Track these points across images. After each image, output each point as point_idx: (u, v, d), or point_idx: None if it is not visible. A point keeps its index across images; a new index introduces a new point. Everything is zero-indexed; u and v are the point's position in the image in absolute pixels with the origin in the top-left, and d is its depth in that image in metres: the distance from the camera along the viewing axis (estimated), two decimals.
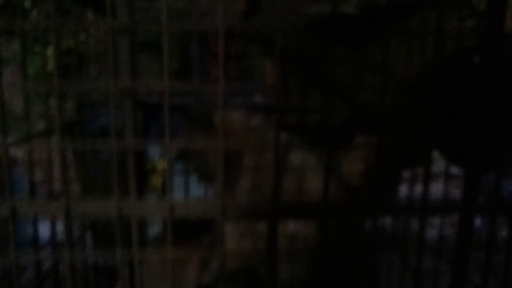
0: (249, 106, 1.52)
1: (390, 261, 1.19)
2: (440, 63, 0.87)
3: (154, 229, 1.58)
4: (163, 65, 0.42)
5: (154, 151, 1.79)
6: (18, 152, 2.28)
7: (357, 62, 1.41)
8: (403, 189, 1.43)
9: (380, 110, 0.94)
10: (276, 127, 0.61)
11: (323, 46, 1.44)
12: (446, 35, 1.08)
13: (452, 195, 1.15)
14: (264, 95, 1.57)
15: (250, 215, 0.37)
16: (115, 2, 0.35)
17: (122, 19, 0.33)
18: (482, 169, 0.52)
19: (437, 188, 1.31)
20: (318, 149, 1.42)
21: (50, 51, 0.66)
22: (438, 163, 1.42)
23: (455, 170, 1.27)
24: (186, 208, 0.36)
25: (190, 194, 1.75)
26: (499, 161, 0.58)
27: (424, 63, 1.08)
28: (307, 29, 1.28)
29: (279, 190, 0.39)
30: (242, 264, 0.82)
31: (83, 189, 1.75)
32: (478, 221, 0.82)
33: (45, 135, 0.68)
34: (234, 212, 0.37)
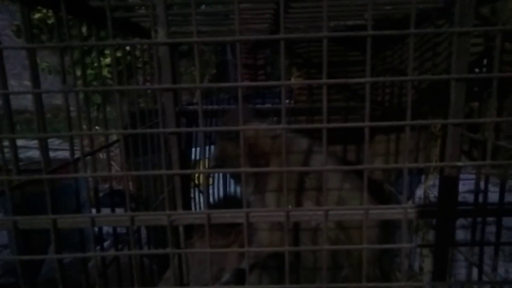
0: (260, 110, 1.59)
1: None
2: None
3: None
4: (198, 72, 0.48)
5: (196, 152, 1.90)
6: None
7: (375, 67, 1.45)
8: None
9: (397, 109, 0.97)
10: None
11: (343, 53, 1.48)
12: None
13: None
14: (290, 99, 1.64)
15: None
16: (157, 23, 0.43)
17: (162, 37, 0.41)
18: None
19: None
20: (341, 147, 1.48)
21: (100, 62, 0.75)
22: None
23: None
24: (219, 217, 0.45)
25: (229, 189, 1.86)
26: None
27: (435, 67, 1.11)
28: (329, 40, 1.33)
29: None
30: (273, 251, 0.91)
31: (137, 187, 1.90)
32: None
33: (108, 145, 0.77)
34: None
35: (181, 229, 0.46)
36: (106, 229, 2.14)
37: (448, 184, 0.45)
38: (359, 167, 0.40)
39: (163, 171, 0.46)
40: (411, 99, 1.23)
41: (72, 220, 0.46)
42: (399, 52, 1.34)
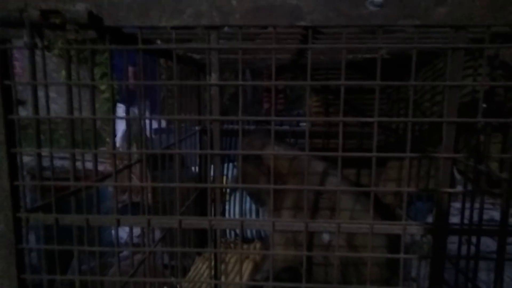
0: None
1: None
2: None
3: None
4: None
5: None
6: (102, 166, 2.61)
7: (390, 96, 1.58)
8: None
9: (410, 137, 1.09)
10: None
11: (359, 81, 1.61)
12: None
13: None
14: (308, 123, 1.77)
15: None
16: (212, 69, 0.55)
17: (215, 79, 0.54)
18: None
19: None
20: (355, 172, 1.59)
21: None
22: None
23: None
24: (251, 224, 0.57)
25: (244, 208, 1.98)
26: None
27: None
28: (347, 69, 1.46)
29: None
30: (286, 265, 1.02)
31: (154, 200, 2.02)
32: None
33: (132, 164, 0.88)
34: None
35: (218, 232, 0.58)
36: (124, 238, 2.27)
37: (441, 206, 0.56)
38: (366, 189, 0.52)
39: (209, 184, 0.59)
40: (423, 128, 1.34)
41: (133, 220, 0.59)
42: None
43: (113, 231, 2.61)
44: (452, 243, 0.98)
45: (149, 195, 2.15)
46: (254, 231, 1.90)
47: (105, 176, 0.88)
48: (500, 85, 0.92)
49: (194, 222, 0.58)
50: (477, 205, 0.76)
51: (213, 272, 0.71)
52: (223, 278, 0.61)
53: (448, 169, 0.54)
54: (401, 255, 0.57)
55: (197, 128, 1.67)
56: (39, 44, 0.55)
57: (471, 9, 0.51)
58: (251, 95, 3.92)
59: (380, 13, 0.52)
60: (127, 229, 2.22)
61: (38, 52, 0.57)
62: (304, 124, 1.84)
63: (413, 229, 0.58)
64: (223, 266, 0.61)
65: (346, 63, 0.56)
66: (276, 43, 0.56)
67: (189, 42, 0.77)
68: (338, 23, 0.53)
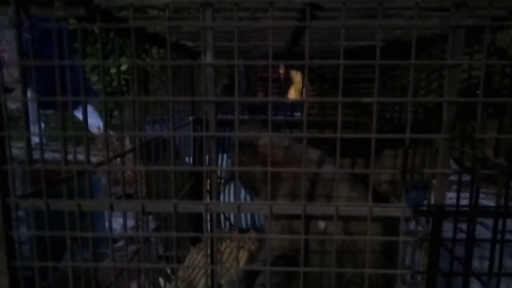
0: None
1: None
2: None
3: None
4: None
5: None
6: (94, 158, 2.58)
7: (385, 85, 1.57)
8: None
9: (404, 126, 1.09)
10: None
11: (355, 70, 1.60)
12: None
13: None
14: (302, 113, 1.76)
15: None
16: (206, 47, 0.53)
17: (210, 59, 0.52)
18: None
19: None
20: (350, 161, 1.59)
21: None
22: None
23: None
24: (248, 208, 0.56)
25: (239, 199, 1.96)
26: None
27: (441, 88, 1.22)
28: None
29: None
30: (282, 253, 1.01)
31: (148, 191, 2.01)
32: None
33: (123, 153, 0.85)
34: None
35: (214, 217, 0.57)
36: (118, 230, 2.25)
37: (440, 189, 0.55)
38: (364, 171, 0.51)
39: (205, 167, 0.57)
40: (420, 117, 1.34)
41: (126, 205, 0.57)
42: (409, 71, 1.46)
43: (106, 223, 2.59)
44: (446, 231, 0.99)
45: (143, 187, 2.13)
46: (249, 221, 1.89)
47: (98, 164, 0.85)
48: (499, 62, 0.91)
49: (190, 206, 0.56)
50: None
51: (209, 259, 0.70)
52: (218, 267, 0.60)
53: (447, 151, 0.53)
54: (400, 238, 0.56)
55: (191, 118, 1.65)
56: (25, 23, 0.53)
57: None
58: (245, 86, 3.90)
59: None
60: (120, 220, 2.19)
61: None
62: (298, 114, 1.82)
63: (411, 212, 0.57)
64: (218, 255, 0.60)
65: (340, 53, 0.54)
66: (272, 28, 0.54)
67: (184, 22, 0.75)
68: None
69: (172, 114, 0.61)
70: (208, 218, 0.56)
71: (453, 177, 1.50)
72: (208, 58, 0.51)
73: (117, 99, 0.69)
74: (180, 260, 1.46)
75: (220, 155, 1.92)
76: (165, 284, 1.32)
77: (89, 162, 0.75)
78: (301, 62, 0.51)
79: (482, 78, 0.54)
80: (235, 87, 0.53)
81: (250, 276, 1.16)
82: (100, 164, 0.82)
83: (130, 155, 1.08)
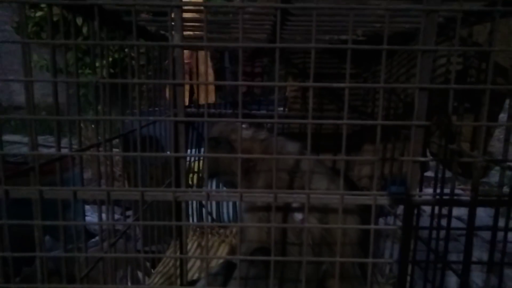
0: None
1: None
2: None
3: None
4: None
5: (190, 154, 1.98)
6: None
7: (366, 81, 1.57)
8: None
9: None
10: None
11: (337, 66, 1.59)
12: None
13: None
14: (284, 107, 1.75)
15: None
16: (174, 28, 0.51)
17: (178, 40, 0.50)
18: None
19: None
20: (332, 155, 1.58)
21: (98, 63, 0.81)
22: None
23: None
24: (218, 195, 0.54)
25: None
26: None
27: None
28: (323, 52, 1.44)
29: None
30: (260, 246, 1.00)
31: (129, 185, 1.97)
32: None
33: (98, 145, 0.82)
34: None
35: (183, 205, 0.55)
36: (94, 226, 2.21)
37: (411, 176, 0.54)
38: (337, 157, 0.50)
39: (172, 154, 0.55)
40: (398, 112, 1.33)
41: (91, 193, 0.55)
42: (389, 67, 1.46)
43: (88, 217, 2.54)
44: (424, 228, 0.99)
45: (126, 182, 2.09)
46: (231, 216, 1.87)
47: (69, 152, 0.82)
48: (473, 48, 0.91)
49: (158, 194, 0.54)
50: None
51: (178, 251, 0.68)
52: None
53: (420, 138, 0.52)
54: (372, 226, 0.55)
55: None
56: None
57: None
58: (230, 80, 3.88)
59: None
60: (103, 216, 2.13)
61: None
62: (281, 109, 1.81)
63: (384, 200, 0.56)
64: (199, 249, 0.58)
65: (322, 49, 0.53)
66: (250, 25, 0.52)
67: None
68: None
69: (139, 98, 0.58)
70: (176, 206, 0.55)
71: (431, 173, 1.50)
72: (176, 39, 0.49)
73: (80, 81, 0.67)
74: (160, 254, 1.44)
75: (195, 150, 1.89)
76: (144, 278, 1.29)
77: (59, 149, 0.72)
78: (271, 45, 0.50)
79: (454, 64, 0.54)
80: (206, 70, 0.51)
81: (228, 269, 1.15)
82: (76, 151, 0.79)
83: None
